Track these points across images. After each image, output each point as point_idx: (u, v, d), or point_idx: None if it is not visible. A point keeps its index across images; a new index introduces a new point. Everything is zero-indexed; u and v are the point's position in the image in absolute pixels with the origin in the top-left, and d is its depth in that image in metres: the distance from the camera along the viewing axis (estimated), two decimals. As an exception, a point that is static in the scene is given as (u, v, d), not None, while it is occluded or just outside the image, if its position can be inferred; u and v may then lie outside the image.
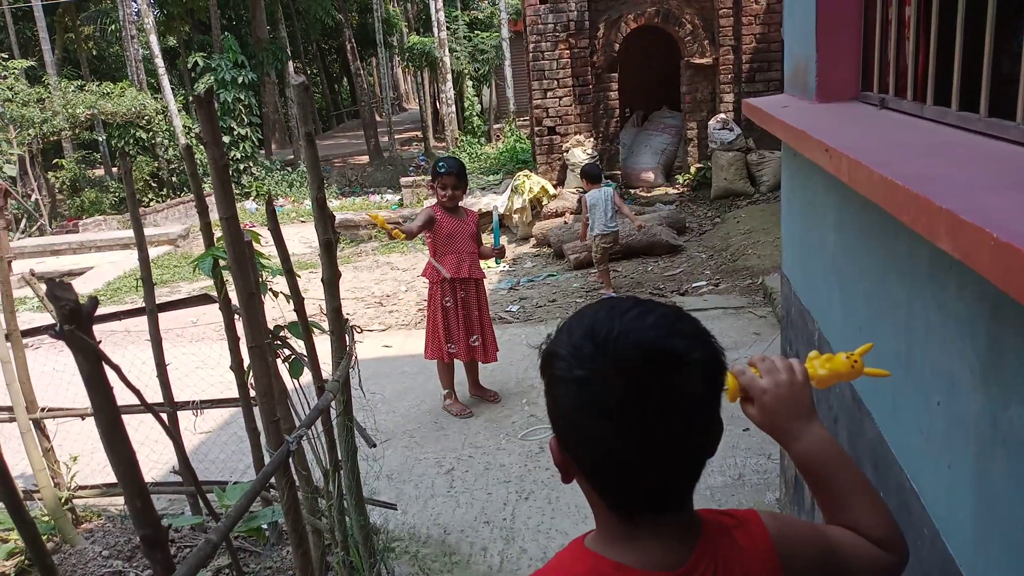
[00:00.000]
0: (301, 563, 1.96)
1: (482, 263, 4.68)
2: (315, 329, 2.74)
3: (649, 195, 10.38)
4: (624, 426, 0.86)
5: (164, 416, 3.56)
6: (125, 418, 3.68)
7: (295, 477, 3.05)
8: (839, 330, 2.20)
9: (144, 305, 3.48)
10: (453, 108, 18.18)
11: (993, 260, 0.88)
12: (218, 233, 3.21)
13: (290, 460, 1.88)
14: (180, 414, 3.62)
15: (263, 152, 18.42)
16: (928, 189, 1.12)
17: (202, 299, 3.40)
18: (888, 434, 1.76)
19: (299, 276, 3.11)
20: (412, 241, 9.43)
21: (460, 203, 4.54)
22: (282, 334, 2.83)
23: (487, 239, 5.17)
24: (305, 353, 2.59)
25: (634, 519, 0.93)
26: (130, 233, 11.91)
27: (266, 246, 2.80)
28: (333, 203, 13.99)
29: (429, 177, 5.21)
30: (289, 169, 16.55)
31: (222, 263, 2.98)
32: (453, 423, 4.40)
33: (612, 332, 0.88)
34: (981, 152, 1.41)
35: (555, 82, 10.07)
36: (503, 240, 5.30)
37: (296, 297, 2.30)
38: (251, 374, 2.73)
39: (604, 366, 0.87)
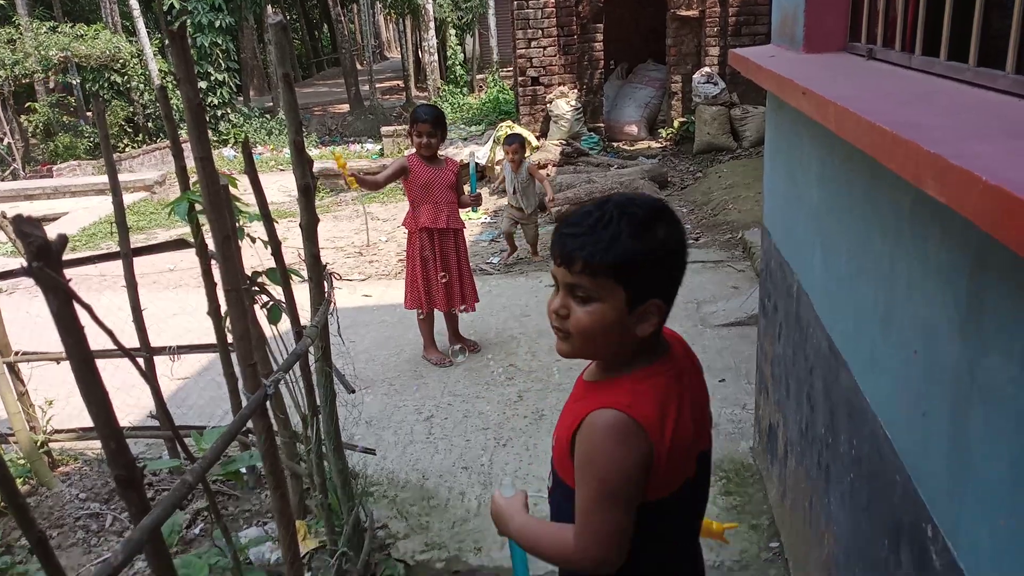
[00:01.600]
0: (279, 505, 1.96)
1: (462, 213, 4.64)
2: (293, 276, 2.71)
3: (632, 148, 10.32)
4: (681, 242, 1.30)
5: (140, 362, 3.54)
6: (101, 363, 3.66)
7: (273, 421, 3.06)
8: (819, 283, 2.21)
9: (119, 250, 3.42)
10: (435, 57, 17.85)
11: (982, 203, 0.87)
12: (194, 178, 3.15)
13: (267, 404, 1.87)
14: (158, 360, 3.60)
15: (241, 99, 18.02)
16: (916, 135, 1.11)
17: (178, 244, 3.35)
18: (864, 384, 1.78)
19: (277, 223, 3.06)
20: (393, 191, 9.34)
21: (440, 152, 4.48)
22: (260, 280, 2.81)
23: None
24: (283, 300, 2.56)
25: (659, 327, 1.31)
26: (105, 179, 11.67)
27: (244, 194, 2.74)
28: (312, 152, 13.78)
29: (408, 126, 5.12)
30: (268, 116, 16.22)
31: (198, 207, 2.93)
32: (432, 372, 4.41)
33: (652, 204, 1.32)
34: (970, 101, 1.40)
35: (539, 32, 9.90)
36: (482, 190, 5.25)
37: (274, 242, 2.26)
38: (228, 319, 2.72)
39: (665, 214, 1.29)
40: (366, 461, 3.33)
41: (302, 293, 2.51)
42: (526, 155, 5.72)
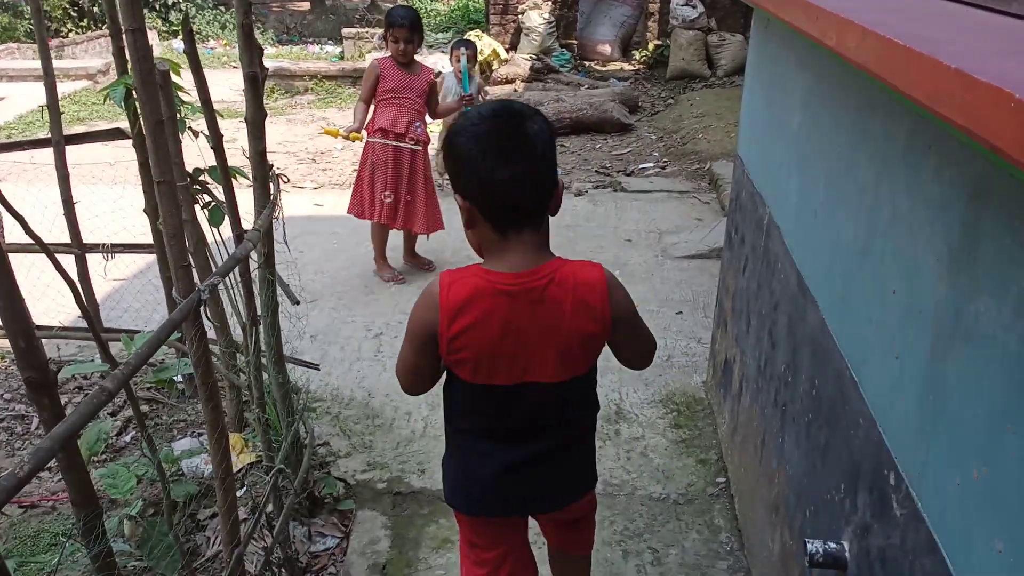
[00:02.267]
0: (211, 417, 1.84)
1: (439, 123, 4.43)
2: (237, 177, 2.51)
3: (604, 69, 10.03)
4: (493, 155, 1.35)
5: (72, 259, 3.33)
6: (31, 257, 3.38)
7: (210, 329, 2.90)
8: (792, 216, 2.11)
9: (50, 136, 3.16)
10: (404, -42, 16.99)
11: (1014, 122, 0.75)
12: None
13: (202, 310, 1.72)
14: (91, 258, 3.39)
15: (195, -12, 16.99)
16: (933, 50, 0.98)
17: (114, 133, 3.10)
18: (833, 323, 1.71)
19: (222, 118, 2.84)
20: (353, 96, 8.95)
21: (416, 58, 4.23)
22: (201, 178, 2.60)
23: (448, 98, 4.87)
24: (256, 195, 2.37)
25: (506, 234, 1.41)
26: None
27: (192, 92, 2.50)
28: (269, 50, 13.11)
29: (380, 29, 4.84)
30: (222, 8, 15.32)
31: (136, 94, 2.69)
32: (384, 289, 4.28)
33: (486, 108, 1.44)
34: (985, 23, 1.27)
35: (515, -64, 9.42)
36: (477, 84, 4.97)
37: (214, 134, 2.06)
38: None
39: (482, 124, 1.39)
40: (309, 376, 3.21)
41: (247, 196, 2.33)
42: (475, 68, 4.91)
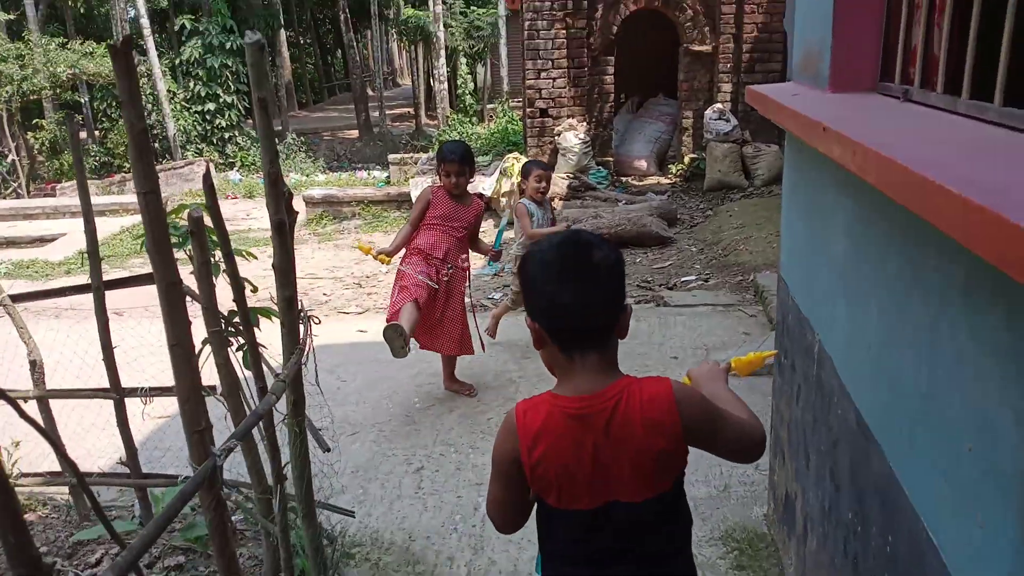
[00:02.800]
0: (231, 589, 1.73)
1: (473, 256, 4.41)
2: (272, 317, 2.49)
3: (641, 184, 10.14)
4: (557, 279, 1.44)
5: (112, 402, 3.32)
6: (70, 403, 3.33)
7: (226, 483, 2.81)
8: (843, 347, 1.98)
9: (90, 282, 3.22)
10: (446, 86, 17.82)
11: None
12: (172, 206, 2.95)
13: (217, 475, 1.64)
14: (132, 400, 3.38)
15: (250, 122, 17.99)
16: (993, 201, 0.89)
17: (151, 277, 3.13)
18: (901, 471, 1.55)
19: (250, 256, 2.86)
20: (397, 220, 9.16)
21: (468, 190, 4.30)
22: (235, 320, 2.59)
23: (488, 239, 4.89)
24: (279, 338, 2.33)
25: (571, 356, 1.46)
26: (108, 199, 11.56)
27: (245, 221, 2.51)
28: (319, 177, 13.67)
29: (423, 154, 4.97)
30: (276, 140, 16.15)
31: (173, 240, 2.73)
32: (426, 417, 4.17)
33: (557, 237, 1.51)
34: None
35: (550, 63, 9.78)
36: (507, 239, 5.04)
37: (235, 286, 2.05)
38: (207, 360, 2.50)
39: (550, 251, 1.47)
40: (347, 519, 3.09)
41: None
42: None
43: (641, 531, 1.51)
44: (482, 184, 9.37)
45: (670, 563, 1.58)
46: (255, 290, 2.77)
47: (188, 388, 1.62)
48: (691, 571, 1.63)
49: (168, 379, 3.49)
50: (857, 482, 1.83)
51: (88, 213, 3.11)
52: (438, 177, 4.28)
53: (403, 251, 4.25)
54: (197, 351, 2.62)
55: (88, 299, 3.20)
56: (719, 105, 9.54)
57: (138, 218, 7.98)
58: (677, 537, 1.60)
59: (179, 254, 2.64)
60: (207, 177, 2.15)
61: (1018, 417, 1.07)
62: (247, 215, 10.67)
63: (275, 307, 2.37)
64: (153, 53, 14.82)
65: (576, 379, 1.46)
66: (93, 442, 3.77)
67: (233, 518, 3.19)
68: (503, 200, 9.02)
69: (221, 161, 15.24)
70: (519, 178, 9.07)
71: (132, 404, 3.32)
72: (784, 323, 2.79)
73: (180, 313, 1.65)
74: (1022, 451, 1.06)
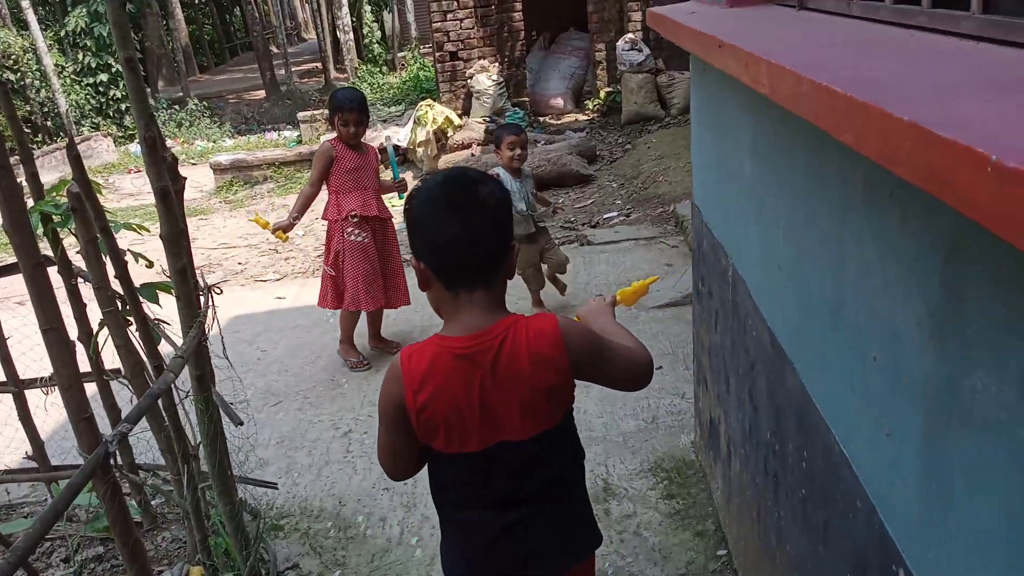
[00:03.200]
0: (138, 579, 1.62)
1: (386, 199, 4.27)
2: (171, 291, 2.34)
3: (559, 123, 10.03)
4: (443, 215, 1.40)
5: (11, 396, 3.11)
6: None
7: (140, 467, 2.68)
8: (757, 268, 1.96)
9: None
10: (351, 36, 17.19)
11: (992, 192, 0.60)
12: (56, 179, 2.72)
13: (109, 462, 1.52)
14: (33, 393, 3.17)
15: (148, 90, 17.06)
16: (879, 96, 0.83)
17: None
18: (813, 388, 1.54)
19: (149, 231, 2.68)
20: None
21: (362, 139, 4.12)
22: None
23: (386, 175, 4.76)
24: (182, 315, 2.18)
25: (458, 295, 1.43)
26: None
27: (151, 195, 2.32)
28: (227, 143, 13.09)
29: (327, 111, 4.74)
30: (177, 108, 15.31)
31: (55, 219, 2.53)
32: (351, 380, 4.07)
33: (441, 174, 1.49)
34: (931, 49, 1.14)
35: (455, 3, 9.48)
36: (404, 174, 4.88)
37: (117, 263, 1.89)
38: (107, 340, 2.34)
39: (435, 187, 1.44)
40: (274, 493, 2.99)
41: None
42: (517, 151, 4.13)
43: (531, 468, 1.50)
44: (397, 135, 9.12)
45: (563, 500, 1.57)
46: (150, 265, 2.60)
47: (68, 375, 1.48)
48: (585, 509, 1.64)
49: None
50: (774, 402, 1.83)
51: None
52: (332, 127, 4.08)
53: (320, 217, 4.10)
54: (95, 332, 2.46)
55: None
56: (630, 35, 9.44)
57: (28, 203, 7.39)
58: (568, 471, 1.60)
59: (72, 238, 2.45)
60: (71, 147, 1.97)
61: (920, 323, 1.05)
62: (138, 193, 10.16)
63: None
64: (35, 26, 13.77)
65: (462, 317, 1.44)
66: (-1, 438, 3.55)
67: (154, 502, 3.06)
68: (419, 150, 8.80)
69: (120, 134, 14.41)
70: (435, 125, 8.86)
71: (35, 396, 3.12)
72: (700, 249, 2.77)
73: (50, 296, 1.51)
74: (925, 357, 1.04)
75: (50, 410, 3.47)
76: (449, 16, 9.55)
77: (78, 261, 2.51)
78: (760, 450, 1.99)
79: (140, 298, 2.26)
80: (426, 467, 1.57)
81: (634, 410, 3.39)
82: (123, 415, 2.51)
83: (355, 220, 3.98)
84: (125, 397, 2.61)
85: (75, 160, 1.82)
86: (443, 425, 1.44)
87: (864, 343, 1.25)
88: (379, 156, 4.26)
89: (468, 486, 1.51)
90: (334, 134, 4.06)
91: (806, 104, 1.04)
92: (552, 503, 1.55)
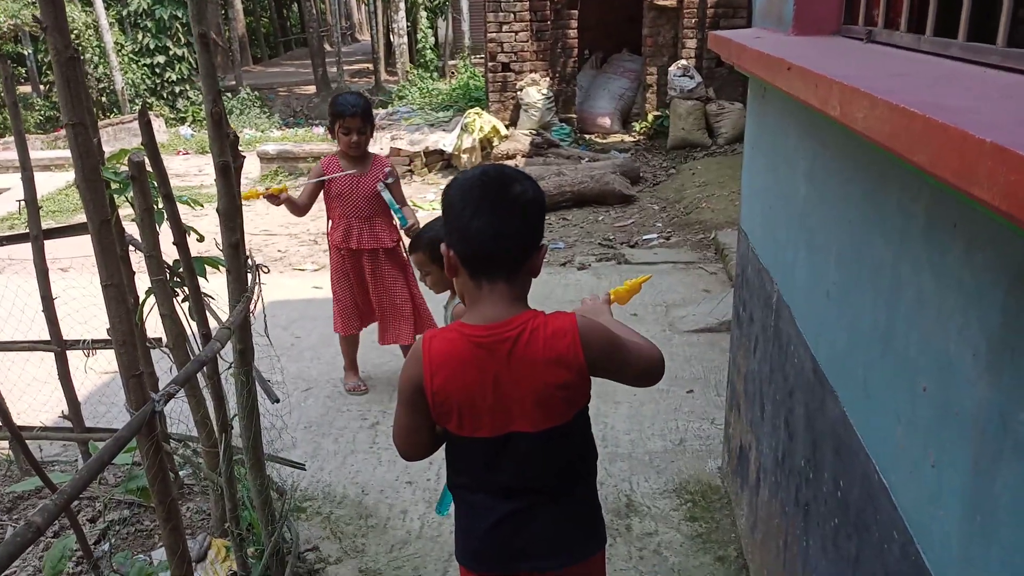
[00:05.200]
0: (170, 541, 1.66)
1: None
2: (219, 267, 2.39)
3: (605, 141, 10.07)
4: (473, 205, 1.45)
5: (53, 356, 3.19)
6: (11, 356, 3.19)
7: (173, 437, 2.72)
8: (803, 294, 1.96)
9: (28, 231, 3.08)
10: (405, 40, 17.42)
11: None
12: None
13: (158, 422, 1.56)
14: (75, 353, 3.25)
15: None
16: (957, 120, 0.85)
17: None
18: (855, 417, 1.53)
19: (201, 205, 2.74)
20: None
21: (377, 147, 3.91)
22: (181, 270, 2.48)
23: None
24: (231, 289, 2.23)
25: (481, 285, 1.47)
26: (53, 154, 11.12)
27: (196, 177, 2.38)
28: (274, 133, 13.31)
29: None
30: (229, 95, 15.63)
31: (114, 186, 2.60)
32: (381, 374, 4.11)
33: (480, 167, 1.54)
34: (1006, 84, 1.14)
35: (511, 15, 9.58)
36: (419, 204, 4.60)
37: (177, 230, 1.95)
38: (152, 310, 2.39)
39: (471, 179, 1.49)
40: (300, 473, 3.03)
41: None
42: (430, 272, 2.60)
43: (539, 459, 1.53)
44: (443, 140, 9.21)
45: (568, 496, 1.60)
46: (200, 239, 2.66)
47: (124, 331, 1.53)
48: (590, 510, 1.66)
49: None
50: (812, 429, 1.82)
51: (25, 160, 2.96)
52: (331, 135, 3.69)
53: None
54: (141, 301, 2.52)
55: (29, 253, 3.06)
56: (683, 61, 9.46)
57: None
58: (576, 467, 1.62)
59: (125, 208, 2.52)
60: (143, 113, 2.03)
61: (976, 354, 1.05)
62: (199, 171, 10.35)
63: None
64: (99, 3, 14.17)
65: (483, 308, 1.48)
66: (36, 396, 3.63)
67: (181, 473, 3.11)
68: (464, 157, 8.87)
69: (172, 116, 14.73)
70: (481, 133, 8.94)
71: (75, 358, 3.20)
72: (743, 275, 2.77)
73: (113, 252, 1.56)
74: (979, 389, 1.04)
75: (88, 373, 3.56)
76: (505, 28, 9.64)
77: (131, 230, 2.58)
78: (792, 478, 1.98)
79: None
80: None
81: (662, 431, 3.38)
82: (160, 384, 2.57)
83: (341, 252, 3.71)
84: (164, 367, 2.67)
85: (146, 126, 1.88)
86: (456, 409, 1.49)
87: (914, 373, 1.25)
88: (396, 174, 3.76)
89: (477, 469, 1.56)
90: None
91: (880, 126, 1.05)
92: (556, 497, 1.58)
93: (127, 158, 2.24)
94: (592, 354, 1.48)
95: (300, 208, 3.71)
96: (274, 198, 3.53)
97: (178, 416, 2.86)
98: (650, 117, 10.05)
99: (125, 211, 2.63)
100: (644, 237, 6.48)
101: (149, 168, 2.12)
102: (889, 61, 1.55)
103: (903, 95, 1.04)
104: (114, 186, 2.56)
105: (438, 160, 9.19)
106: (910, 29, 1.72)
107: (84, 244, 3.80)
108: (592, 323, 1.52)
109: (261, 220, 7.74)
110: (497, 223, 1.44)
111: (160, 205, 2.36)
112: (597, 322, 1.56)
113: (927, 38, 1.59)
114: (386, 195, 3.63)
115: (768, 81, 1.93)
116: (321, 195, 3.75)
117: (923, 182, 1.19)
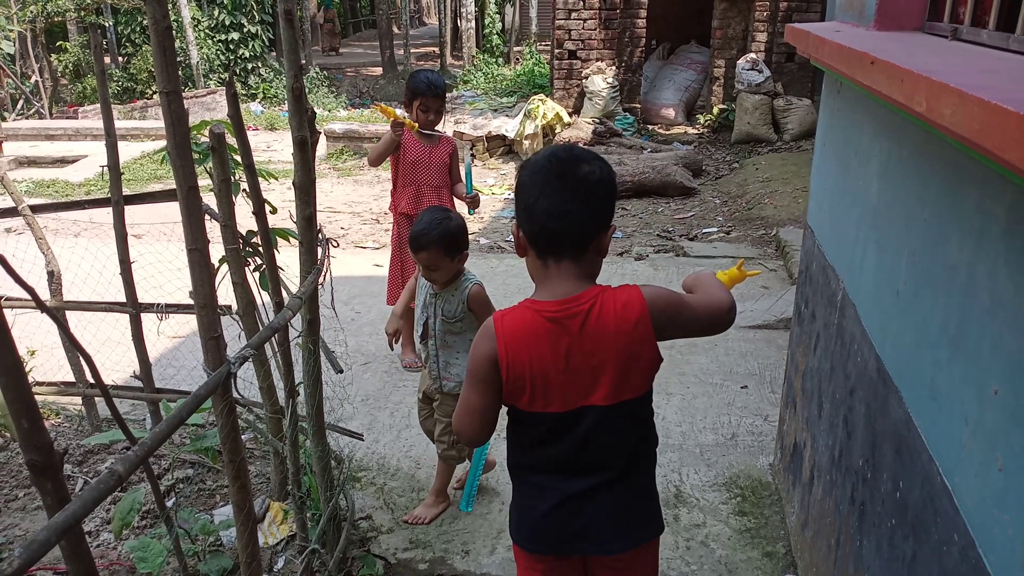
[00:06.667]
0: (238, 498, 1.74)
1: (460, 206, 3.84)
2: (290, 239, 2.47)
3: (668, 133, 9.97)
4: (541, 185, 1.49)
5: (127, 317, 3.34)
6: (86, 317, 3.34)
7: (240, 398, 2.82)
8: (870, 292, 1.94)
9: (109, 196, 3.22)
10: (473, 25, 17.47)
11: None
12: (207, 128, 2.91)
13: (232, 383, 1.64)
14: (148, 317, 3.39)
15: (273, 53, 17.77)
16: (1051, 118, 0.84)
17: (171, 194, 3.11)
18: (919, 417, 1.52)
19: (274, 179, 2.82)
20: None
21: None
22: (253, 240, 2.57)
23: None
24: (296, 263, 2.31)
25: (547, 263, 1.51)
26: (129, 123, 11.52)
27: (265, 152, 2.46)
28: (341, 113, 13.53)
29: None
30: (300, 55, 15.93)
31: (196, 156, 2.70)
32: (437, 351, 4.17)
33: (552, 147, 1.57)
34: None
35: (581, 3, 9.53)
36: (479, 188, 4.65)
37: (256, 200, 2.02)
38: (224, 278, 2.49)
39: (542, 160, 1.52)
40: (355, 443, 3.11)
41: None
42: (453, 262, 2.66)
43: (606, 436, 1.55)
44: (506, 126, 9.24)
45: (629, 480, 1.61)
46: (274, 210, 2.74)
47: (206, 294, 1.60)
48: (649, 496, 1.67)
49: (185, 299, 3.50)
50: (872, 429, 1.80)
51: (110, 127, 3.09)
52: (407, 111, 3.78)
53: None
54: (216, 268, 2.62)
55: (108, 218, 3.20)
56: (752, 55, 9.29)
57: (159, 144, 8.03)
58: (640, 450, 1.64)
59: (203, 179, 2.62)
60: (230, 84, 2.10)
61: (1053, 358, 1.03)
62: (268, 147, 10.59)
63: (294, 229, 2.35)
64: (178, -22, 14.59)
65: (551, 284, 1.51)
66: (108, 355, 3.80)
67: (244, 436, 3.23)
68: (525, 143, 8.89)
69: (243, 92, 15.08)
70: (544, 120, 8.94)
71: (148, 321, 3.34)
72: (807, 272, 2.74)
73: (199, 217, 1.63)
74: (1054, 392, 1.03)
75: (160, 337, 3.71)
76: (573, 15, 9.60)
77: (208, 200, 2.68)
78: (848, 477, 1.96)
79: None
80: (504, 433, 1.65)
81: (714, 424, 3.37)
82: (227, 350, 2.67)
83: (409, 218, 3.73)
84: (232, 334, 2.77)
85: (232, 98, 1.95)
86: (529, 383, 1.51)
87: (985, 375, 1.24)
88: (457, 153, 3.93)
89: (543, 446, 1.57)
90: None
91: (969, 123, 1.04)
92: (620, 480, 1.59)
93: (208, 129, 2.33)
94: (658, 320, 1.50)
95: (379, 155, 3.88)
96: (399, 125, 3.71)
97: (239, 384, 2.96)
98: (715, 110, 9.91)
99: (203, 181, 2.73)
100: (704, 230, 6.42)
101: (229, 140, 2.20)
102: (977, 58, 1.52)
103: (994, 92, 1.03)
104: (194, 156, 2.66)
105: (500, 145, 9.23)
106: (999, 27, 1.68)
107: (158, 212, 3.96)
108: (656, 290, 1.55)
109: (325, 198, 7.90)
110: (562, 203, 1.47)
111: (237, 176, 2.45)
112: (661, 288, 1.57)
113: (1017, 36, 1.55)
114: (468, 161, 3.90)
115: (847, 75, 1.90)
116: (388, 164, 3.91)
117: (1006, 182, 1.17)
